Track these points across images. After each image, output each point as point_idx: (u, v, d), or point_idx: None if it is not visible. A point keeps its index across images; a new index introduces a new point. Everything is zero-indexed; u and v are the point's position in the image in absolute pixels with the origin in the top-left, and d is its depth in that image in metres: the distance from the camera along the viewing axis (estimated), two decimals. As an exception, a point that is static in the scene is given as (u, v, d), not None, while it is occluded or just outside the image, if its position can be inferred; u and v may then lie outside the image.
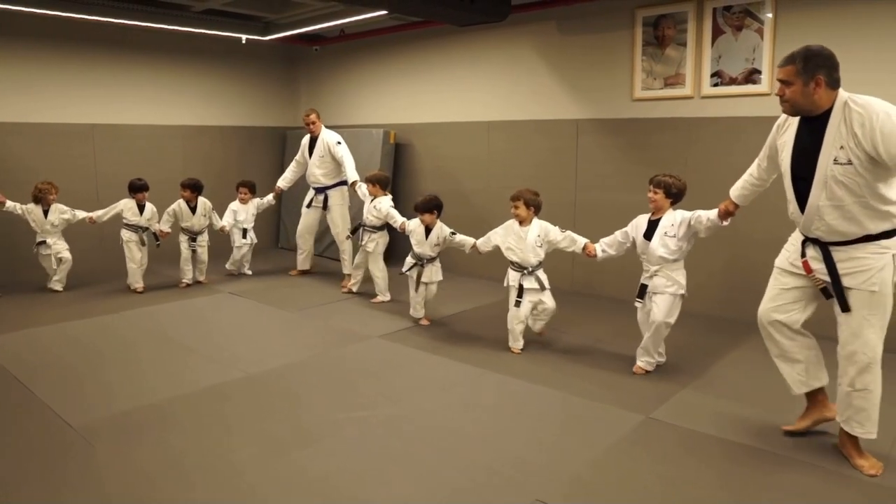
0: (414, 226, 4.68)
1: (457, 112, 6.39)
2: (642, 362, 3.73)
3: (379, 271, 5.32)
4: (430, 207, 4.56)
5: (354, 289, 5.56)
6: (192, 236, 5.76)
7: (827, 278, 2.61)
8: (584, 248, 3.94)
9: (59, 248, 5.52)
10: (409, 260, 4.69)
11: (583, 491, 2.50)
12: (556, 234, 4.03)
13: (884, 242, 2.48)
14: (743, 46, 4.60)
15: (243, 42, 6.88)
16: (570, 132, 5.55)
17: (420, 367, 3.86)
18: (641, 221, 3.72)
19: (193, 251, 5.78)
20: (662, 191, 3.60)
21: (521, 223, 4.07)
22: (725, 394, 3.43)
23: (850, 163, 2.41)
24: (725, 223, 3.34)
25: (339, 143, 5.83)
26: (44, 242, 5.47)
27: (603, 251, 3.87)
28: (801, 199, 2.61)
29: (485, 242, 4.29)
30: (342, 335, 4.46)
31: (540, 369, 3.80)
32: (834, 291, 2.59)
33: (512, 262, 4.10)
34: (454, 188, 6.31)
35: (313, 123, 5.92)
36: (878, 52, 4.02)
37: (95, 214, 5.52)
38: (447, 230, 4.56)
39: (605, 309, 5.11)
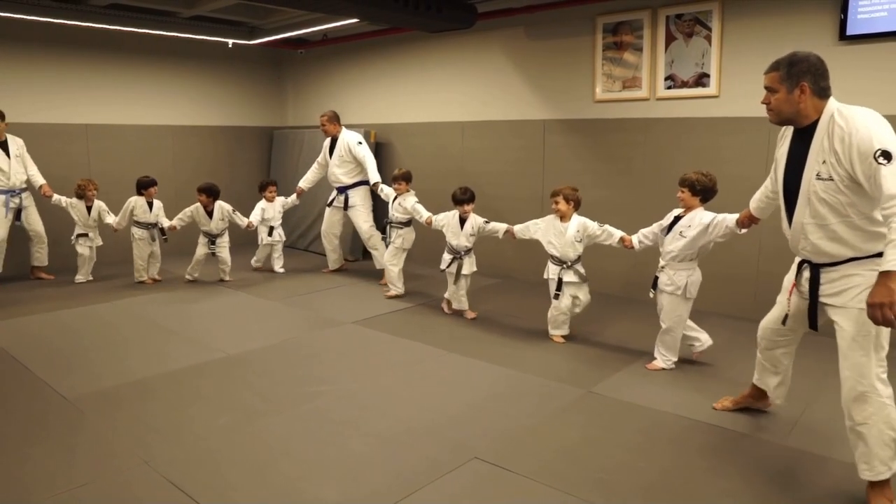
0: (448, 219, 4.84)
1: (433, 113, 6.72)
2: (658, 358, 3.81)
3: (394, 266, 5.42)
4: (472, 197, 4.72)
5: (399, 288, 5.52)
6: (212, 239, 5.90)
7: (807, 292, 2.52)
8: (621, 239, 4.00)
9: (95, 243, 5.92)
10: (447, 256, 4.82)
11: (518, 450, 2.82)
12: (594, 228, 4.11)
13: (879, 260, 2.18)
14: (693, 52, 4.93)
15: (230, 46, 7.21)
16: (538, 132, 5.88)
17: (386, 349, 4.19)
18: (671, 215, 3.75)
19: (213, 253, 5.89)
20: (688, 189, 3.59)
21: (561, 219, 4.19)
22: (668, 372, 3.76)
23: (831, 179, 2.28)
24: (743, 231, 3.30)
25: (360, 143, 5.95)
26: (86, 235, 5.84)
27: (640, 241, 3.89)
28: (791, 216, 2.48)
29: (523, 230, 4.41)
30: (319, 321, 4.79)
31: (499, 351, 4.12)
32: (808, 309, 2.52)
33: (552, 256, 4.24)
34: (432, 185, 6.60)
35: (323, 126, 6.04)
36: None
37: (116, 222, 5.80)
38: (480, 220, 4.71)
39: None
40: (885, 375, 2.33)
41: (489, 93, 6.23)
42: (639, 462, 2.73)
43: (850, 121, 2.24)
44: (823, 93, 2.35)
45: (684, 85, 5.01)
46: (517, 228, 4.46)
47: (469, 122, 6.41)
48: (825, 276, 2.43)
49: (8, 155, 5.69)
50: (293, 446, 2.84)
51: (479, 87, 6.32)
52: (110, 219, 5.83)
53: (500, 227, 4.59)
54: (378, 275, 6.06)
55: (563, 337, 4.32)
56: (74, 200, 5.79)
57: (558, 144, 5.77)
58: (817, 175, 2.32)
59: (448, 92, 6.57)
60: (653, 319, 3.95)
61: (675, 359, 3.79)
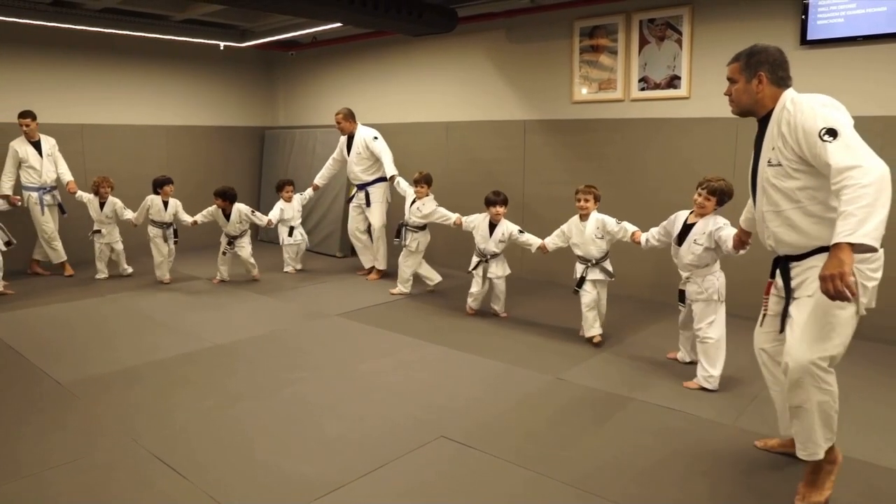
0: (477, 221, 4.80)
1: (419, 113, 6.91)
2: (700, 378, 3.51)
3: (408, 267, 5.49)
4: (505, 200, 4.68)
5: (406, 289, 5.56)
6: (230, 240, 5.92)
7: (782, 289, 2.44)
8: (632, 235, 3.98)
9: (112, 238, 6.08)
10: (475, 258, 4.83)
11: (483, 430, 3.02)
12: (612, 225, 4.07)
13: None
14: (665, 55, 5.13)
15: (221, 49, 7.40)
16: (519, 131, 6.08)
17: (367, 339, 4.39)
18: (679, 221, 3.60)
19: (236, 253, 5.93)
20: (716, 197, 3.42)
21: (581, 218, 4.19)
22: (631, 360, 3.96)
23: (779, 164, 2.31)
24: (741, 252, 3.17)
25: (376, 138, 5.93)
26: (99, 231, 6.03)
27: (647, 241, 3.86)
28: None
29: (554, 241, 4.37)
30: (307, 314, 4.99)
31: (476, 342, 4.30)
32: (783, 310, 2.44)
33: (578, 256, 4.24)
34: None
35: (339, 124, 6.03)
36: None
37: (134, 217, 5.94)
38: (514, 227, 4.66)
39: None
40: (826, 365, 2.26)
41: (472, 94, 6.43)
42: (595, 441, 2.92)
43: (799, 104, 2.27)
44: (781, 82, 2.38)
45: (657, 87, 5.21)
46: (548, 243, 4.42)
47: (453, 122, 6.61)
48: (793, 270, 2.39)
49: (41, 154, 5.99)
50: (272, 427, 3.04)
51: (462, 88, 6.51)
52: (128, 214, 5.98)
53: (534, 241, 4.55)
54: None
55: (600, 336, 4.20)
56: (91, 196, 5.99)
57: (538, 144, 5.97)
58: (769, 161, 2.36)
59: (433, 93, 6.77)
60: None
61: (718, 374, 3.47)
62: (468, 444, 2.88)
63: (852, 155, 2.07)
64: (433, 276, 5.60)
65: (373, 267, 6.27)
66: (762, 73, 2.37)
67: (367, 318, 4.88)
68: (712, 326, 3.48)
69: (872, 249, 2.03)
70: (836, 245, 2.01)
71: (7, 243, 5.49)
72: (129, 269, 6.21)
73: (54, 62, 6.66)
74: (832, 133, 2.11)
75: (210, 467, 2.67)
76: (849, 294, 1.98)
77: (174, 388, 3.51)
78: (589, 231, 4.14)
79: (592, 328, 4.21)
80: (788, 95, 2.35)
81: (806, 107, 2.23)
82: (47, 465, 2.66)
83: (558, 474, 2.62)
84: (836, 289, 1.98)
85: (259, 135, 8.45)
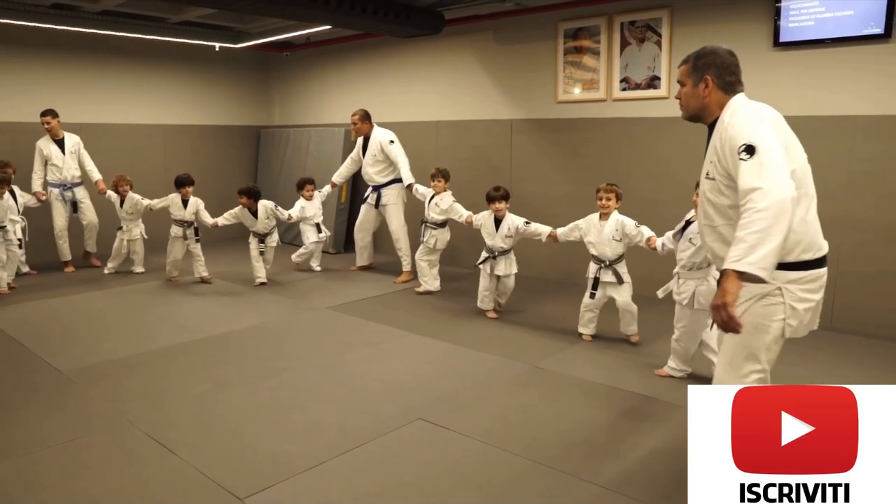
0: (483, 219, 4.78)
1: (410, 112, 7.07)
2: (668, 368, 3.67)
3: (423, 262, 5.49)
4: (506, 195, 4.63)
5: (433, 287, 5.56)
6: (261, 238, 5.92)
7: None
8: (648, 240, 3.92)
9: (132, 235, 6.21)
10: (484, 253, 4.78)
11: (460, 413, 3.18)
12: (631, 227, 4.01)
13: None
14: (645, 56, 5.29)
15: (217, 49, 7.57)
16: (506, 131, 6.25)
17: (355, 330, 4.56)
18: (685, 218, 3.59)
19: (262, 252, 5.92)
20: None
21: (601, 217, 4.14)
22: (607, 350, 4.12)
23: (714, 179, 2.19)
24: None
25: (392, 142, 5.91)
26: (121, 228, 6.20)
27: (663, 245, 3.80)
28: None
29: (567, 233, 4.31)
30: (297, 307, 5.16)
31: (462, 334, 4.46)
32: None
33: (592, 255, 4.19)
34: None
35: (355, 125, 6.06)
36: (748, 59, 4.70)
37: (153, 203, 6.02)
38: (520, 220, 4.59)
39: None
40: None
41: (461, 94, 6.59)
42: (570, 424, 3.09)
43: (733, 116, 2.15)
44: (729, 87, 2.24)
45: (638, 87, 5.37)
46: (560, 232, 4.37)
47: (442, 122, 6.77)
48: None
49: (63, 151, 6.24)
50: (258, 411, 3.21)
51: (451, 88, 6.68)
52: (146, 202, 6.06)
53: (543, 230, 4.49)
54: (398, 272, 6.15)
55: (591, 336, 4.28)
56: (114, 195, 6.15)
57: (524, 143, 6.14)
58: (706, 174, 2.24)
59: (423, 93, 6.93)
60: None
61: (688, 369, 3.62)
62: (445, 425, 3.04)
63: (759, 176, 1.96)
64: (433, 284, 5.59)
65: (368, 265, 6.45)
66: (708, 76, 2.24)
67: (356, 310, 5.04)
68: (683, 331, 3.54)
69: (760, 280, 1.92)
70: (724, 272, 1.95)
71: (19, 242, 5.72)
72: (141, 269, 6.30)
73: (53, 63, 6.83)
74: (749, 150, 2.00)
75: (199, 446, 2.83)
76: (734, 326, 1.92)
77: (167, 375, 3.69)
78: (607, 231, 4.08)
79: (586, 327, 4.30)
80: (732, 105, 2.21)
81: (737, 120, 2.12)
82: (46, 445, 2.83)
83: (532, 454, 2.77)
84: (721, 319, 1.93)
85: (255, 134, 8.62)
